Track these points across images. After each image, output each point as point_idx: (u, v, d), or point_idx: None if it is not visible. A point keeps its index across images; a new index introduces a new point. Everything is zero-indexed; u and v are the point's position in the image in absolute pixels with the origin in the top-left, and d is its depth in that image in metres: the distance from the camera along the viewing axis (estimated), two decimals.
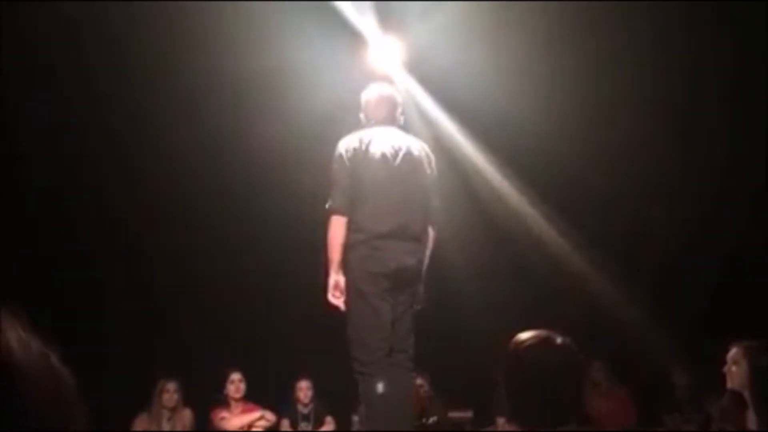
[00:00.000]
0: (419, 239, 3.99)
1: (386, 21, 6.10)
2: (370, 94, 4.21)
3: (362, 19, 6.05)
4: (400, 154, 4.00)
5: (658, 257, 7.09)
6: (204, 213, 7.03)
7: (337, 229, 3.90)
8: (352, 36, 6.09)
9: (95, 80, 6.11)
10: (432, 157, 4.16)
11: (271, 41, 5.74)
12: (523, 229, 7.11)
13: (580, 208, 6.83)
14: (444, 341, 7.04)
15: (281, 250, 7.00)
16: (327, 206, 3.93)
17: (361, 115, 4.19)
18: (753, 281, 6.29)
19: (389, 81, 4.31)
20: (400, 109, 4.22)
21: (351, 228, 3.90)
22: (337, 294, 3.91)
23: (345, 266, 3.89)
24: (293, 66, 5.89)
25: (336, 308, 3.94)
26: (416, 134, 4.41)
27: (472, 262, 6.93)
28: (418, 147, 4.12)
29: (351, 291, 3.88)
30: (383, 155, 3.96)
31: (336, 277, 3.90)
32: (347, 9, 5.94)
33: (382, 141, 4.02)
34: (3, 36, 5.21)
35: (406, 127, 4.29)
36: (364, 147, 3.96)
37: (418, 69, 6.45)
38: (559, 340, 2.09)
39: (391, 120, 4.15)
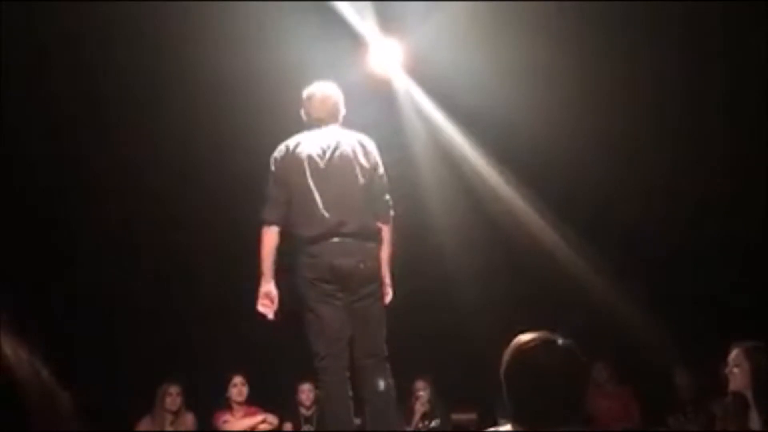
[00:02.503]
0: (361, 236, 3.86)
1: (386, 23, 6.11)
2: (309, 92, 4.10)
3: (362, 21, 6.06)
4: (328, 154, 3.90)
5: (660, 257, 7.09)
6: (207, 215, 7.03)
7: (265, 238, 3.95)
8: (353, 38, 6.10)
9: (95, 80, 6.11)
10: (372, 150, 3.99)
11: (271, 43, 5.75)
12: (525, 230, 7.11)
13: (581, 209, 6.83)
14: (446, 343, 7.04)
15: (283, 253, 6.99)
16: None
17: (302, 113, 4.11)
18: (755, 281, 6.29)
19: (332, 82, 4.22)
20: (340, 106, 4.10)
21: (293, 236, 3.91)
22: (267, 303, 3.95)
23: (291, 274, 3.91)
24: (293, 68, 5.88)
25: (264, 317, 3.97)
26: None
27: (474, 264, 6.93)
28: (352, 143, 3.96)
29: (300, 299, 3.90)
30: (309, 157, 3.88)
31: (266, 287, 3.94)
32: (347, 11, 5.95)
33: (310, 143, 3.94)
34: (3, 36, 5.22)
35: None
36: (290, 153, 3.92)
37: (418, 71, 6.45)
38: (560, 341, 2.09)
39: (331, 119, 4.05)
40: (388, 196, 4.02)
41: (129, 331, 6.90)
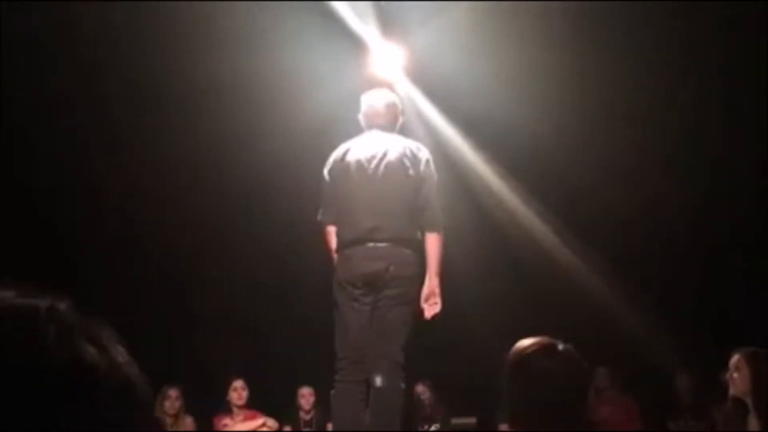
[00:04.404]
0: (395, 241, 3.86)
1: (388, 27, 6.11)
2: (367, 100, 4.16)
3: (364, 25, 6.07)
4: (376, 160, 3.93)
5: (662, 262, 7.09)
6: (208, 218, 7.04)
7: (326, 239, 4.01)
8: (354, 42, 6.10)
9: (97, 81, 6.11)
10: (422, 158, 3.99)
11: (273, 46, 5.76)
12: (527, 235, 7.11)
13: (583, 213, 6.83)
14: (446, 347, 7.03)
15: (285, 256, 7.00)
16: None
17: (361, 118, 4.15)
18: (756, 286, 6.29)
19: (390, 87, 4.27)
20: (398, 114, 4.16)
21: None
22: None
23: None
24: (295, 71, 5.90)
25: None
26: (416, 139, 4.38)
27: (475, 268, 6.92)
28: (401, 149, 3.97)
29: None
30: (358, 162, 3.94)
31: None
32: (349, 15, 5.96)
33: (362, 148, 3.99)
34: (4, 35, 5.23)
35: (405, 132, 4.28)
36: (341, 157, 3.98)
37: (420, 75, 6.46)
38: (561, 347, 2.09)
39: (389, 126, 4.09)
40: (437, 205, 4.00)
41: (129, 332, 6.86)
